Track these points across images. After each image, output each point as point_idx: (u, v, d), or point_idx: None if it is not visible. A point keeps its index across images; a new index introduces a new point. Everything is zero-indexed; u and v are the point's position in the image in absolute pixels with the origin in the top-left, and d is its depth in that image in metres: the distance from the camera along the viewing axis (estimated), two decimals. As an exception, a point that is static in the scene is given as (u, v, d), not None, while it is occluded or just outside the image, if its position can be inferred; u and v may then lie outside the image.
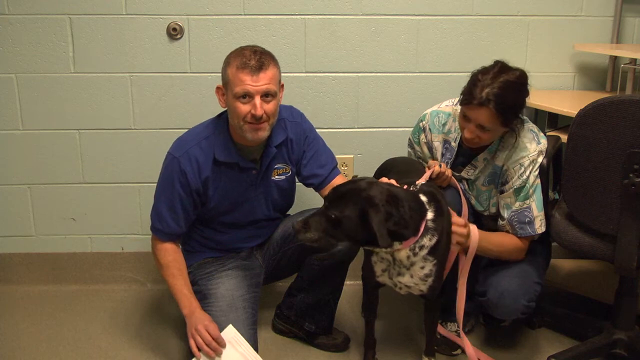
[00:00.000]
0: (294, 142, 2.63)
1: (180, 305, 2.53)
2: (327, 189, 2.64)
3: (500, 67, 2.41)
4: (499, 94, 2.33)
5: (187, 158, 2.50)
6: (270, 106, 2.41)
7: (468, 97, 2.39)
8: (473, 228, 2.44)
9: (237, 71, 2.37)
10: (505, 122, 2.41)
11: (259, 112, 2.37)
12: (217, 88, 2.50)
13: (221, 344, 2.40)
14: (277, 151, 2.58)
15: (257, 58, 2.37)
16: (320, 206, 2.17)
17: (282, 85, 2.50)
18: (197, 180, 2.52)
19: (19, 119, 3.11)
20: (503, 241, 2.55)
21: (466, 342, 2.55)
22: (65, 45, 3.03)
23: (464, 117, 2.45)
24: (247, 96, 2.37)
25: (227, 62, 2.44)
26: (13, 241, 3.28)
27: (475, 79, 2.41)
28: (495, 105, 2.34)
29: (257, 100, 2.37)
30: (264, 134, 2.45)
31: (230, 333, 2.44)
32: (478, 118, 2.38)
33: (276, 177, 2.64)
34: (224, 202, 2.60)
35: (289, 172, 2.67)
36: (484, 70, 2.42)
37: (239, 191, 2.59)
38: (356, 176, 2.75)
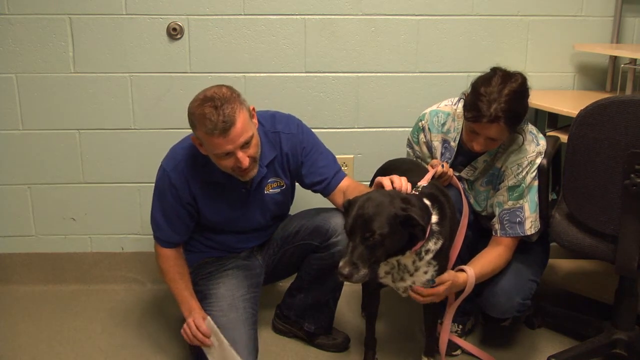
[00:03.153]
0: (289, 155, 2.60)
1: (182, 309, 2.55)
2: (335, 195, 2.61)
3: (502, 77, 2.37)
4: (507, 109, 2.31)
5: (176, 172, 2.50)
6: (252, 150, 2.36)
7: (476, 114, 2.34)
8: (470, 275, 2.39)
9: (208, 136, 2.28)
10: (513, 130, 2.43)
11: (245, 164, 2.34)
12: (193, 139, 2.42)
13: (205, 332, 2.44)
14: (267, 170, 2.56)
15: (222, 118, 2.24)
16: (349, 243, 2.08)
17: (253, 109, 2.43)
18: (187, 194, 2.52)
19: (19, 119, 3.11)
20: (496, 264, 2.51)
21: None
22: (65, 45, 3.03)
23: (472, 132, 2.42)
24: (227, 154, 2.33)
25: (193, 124, 2.33)
26: (13, 241, 3.28)
27: (478, 93, 2.35)
28: (505, 120, 2.32)
29: (239, 154, 2.32)
30: (253, 172, 2.44)
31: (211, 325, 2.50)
32: (488, 133, 2.37)
33: (270, 191, 2.62)
34: (217, 217, 2.61)
35: (283, 186, 2.65)
36: (485, 82, 2.37)
37: (231, 208, 2.59)
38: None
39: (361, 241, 2.04)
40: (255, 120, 2.43)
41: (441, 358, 2.54)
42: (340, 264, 2.04)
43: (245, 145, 2.33)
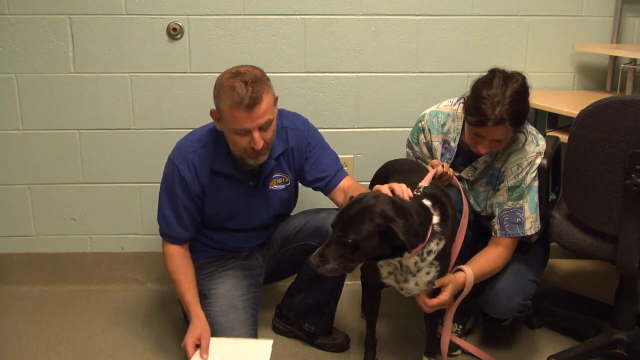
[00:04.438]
0: (295, 150, 2.62)
1: (186, 311, 2.55)
2: (335, 193, 2.62)
3: (503, 78, 2.36)
4: (512, 110, 2.30)
5: (185, 165, 2.50)
6: (268, 134, 2.39)
7: (481, 118, 2.32)
8: (468, 274, 2.39)
9: (232, 109, 2.31)
10: (517, 130, 2.43)
11: (259, 145, 2.36)
12: (212, 112, 2.45)
13: (189, 357, 2.40)
14: (275, 163, 2.58)
15: (250, 93, 2.28)
16: (332, 234, 2.11)
17: (277, 98, 2.46)
18: (197, 186, 2.53)
19: (19, 119, 3.11)
20: (494, 264, 2.52)
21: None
22: (65, 45, 3.03)
23: (476, 135, 2.41)
24: (245, 132, 2.35)
25: (219, 96, 2.36)
26: (13, 241, 3.28)
27: (480, 95, 2.34)
28: (510, 121, 2.32)
29: (256, 134, 2.34)
30: (264, 158, 2.45)
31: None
32: (494, 135, 2.37)
33: (275, 186, 2.63)
34: (221, 211, 2.61)
35: (288, 182, 2.66)
36: (485, 84, 2.36)
37: (236, 201, 2.59)
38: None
39: (336, 239, 2.08)
40: (276, 110, 2.46)
41: (443, 358, 2.54)
42: (314, 252, 2.10)
43: (264, 127, 2.35)
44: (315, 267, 2.10)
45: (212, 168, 2.52)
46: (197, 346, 2.42)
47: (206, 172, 2.52)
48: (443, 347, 2.51)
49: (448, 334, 2.51)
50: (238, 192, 2.58)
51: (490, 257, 2.51)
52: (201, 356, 2.38)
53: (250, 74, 2.34)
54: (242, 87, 2.29)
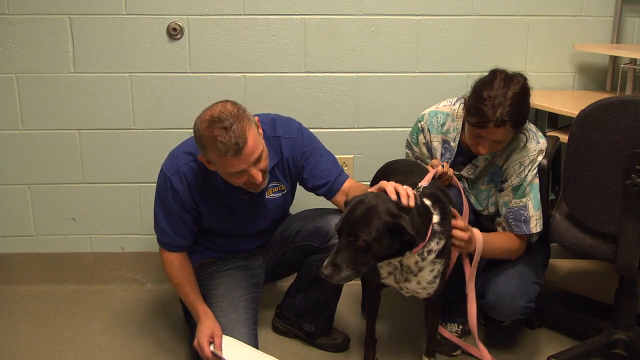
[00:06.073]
0: (290, 160, 2.58)
1: (192, 313, 2.54)
2: (338, 196, 2.60)
3: (504, 79, 2.36)
4: (513, 112, 2.31)
5: (178, 177, 2.48)
6: (263, 163, 2.34)
7: (482, 119, 2.33)
8: (476, 232, 2.39)
9: (220, 158, 2.25)
10: (518, 130, 2.43)
11: (258, 179, 2.32)
12: (200, 157, 2.39)
13: (207, 357, 2.39)
14: (270, 175, 2.53)
15: (234, 139, 2.20)
16: (338, 242, 2.08)
17: (258, 120, 2.39)
18: (190, 199, 2.50)
19: (19, 119, 3.11)
20: (504, 242, 2.54)
21: (482, 349, 2.58)
22: (65, 45, 3.03)
23: (477, 136, 2.41)
24: (240, 173, 2.31)
25: (203, 146, 2.29)
26: (13, 241, 3.28)
27: (481, 97, 2.34)
28: (511, 123, 2.32)
29: (252, 171, 2.30)
30: (265, 184, 2.41)
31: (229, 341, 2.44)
32: (494, 137, 2.37)
33: (271, 195, 2.61)
34: (218, 223, 2.60)
35: (284, 190, 2.64)
36: (487, 85, 2.36)
37: (232, 214, 2.58)
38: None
39: (346, 244, 2.04)
40: (260, 131, 2.40)
41: (475, 332, 2.53)
42: (324, 263, 2.05)
43: (257, 161, 2.31)
44: (329, 278, 2.04)
45: (205, 186, 2.50)
46: (210, 344, 2.41)
47: (199, 187, 2.50)
48: (471, 320, 2.49)
49: (473, 303, 2.47)
50: (233, 206, 2.56)
51: (501, 235, 2.54)
52: (216, 353, 2.37)
53: (226, 117, 2.24)
54: (224, 135, 2.21)
